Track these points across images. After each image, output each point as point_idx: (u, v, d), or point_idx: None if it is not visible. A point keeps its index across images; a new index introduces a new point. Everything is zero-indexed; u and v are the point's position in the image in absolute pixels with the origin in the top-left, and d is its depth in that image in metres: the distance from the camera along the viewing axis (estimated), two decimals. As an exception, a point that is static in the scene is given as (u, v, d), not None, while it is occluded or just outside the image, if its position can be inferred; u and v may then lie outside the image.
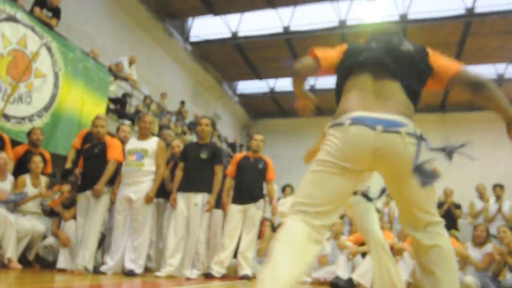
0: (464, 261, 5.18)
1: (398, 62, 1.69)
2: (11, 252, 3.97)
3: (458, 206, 7.78)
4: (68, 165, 5.03)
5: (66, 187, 4.52)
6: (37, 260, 4.46)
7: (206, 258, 4.76)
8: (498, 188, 6.90)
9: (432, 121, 14.09)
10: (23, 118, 5.51)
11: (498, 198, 6.80)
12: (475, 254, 5.07)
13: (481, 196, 7.25)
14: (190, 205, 4.44)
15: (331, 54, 1.83)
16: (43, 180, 4.76)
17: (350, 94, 1.69)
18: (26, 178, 4.61)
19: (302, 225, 1.53)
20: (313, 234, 1.53)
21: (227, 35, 11.81)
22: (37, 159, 4.68)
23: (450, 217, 7.35)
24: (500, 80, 12.05)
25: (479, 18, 9.88)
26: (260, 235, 5.57)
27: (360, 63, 1.72)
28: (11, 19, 5.42)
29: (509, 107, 1.64)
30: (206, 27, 12.28)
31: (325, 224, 1.57)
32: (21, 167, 4.74)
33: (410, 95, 1.66)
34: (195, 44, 12.44)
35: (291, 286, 1.42)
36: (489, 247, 4.99)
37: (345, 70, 1.76)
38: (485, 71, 12.03)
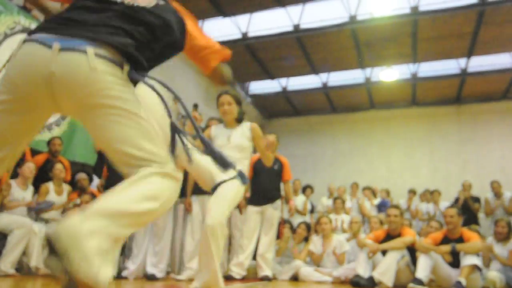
0: (488, 257, 5.07)
1: None
2: (36, 260, 4.05)
3: (476, 200, 7.54)
4: None
5: (87, 197, 4.59)
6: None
7: (225, 260, 4.77)
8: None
9: (448, 113, 13.86)
10: (42, 128, 5.63)
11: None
12: (500, 250, 4.95)
13: (496, 194, 7.10)
14: (206, 208, 4.45)
15: None
16: (65, 188, 4.84)
17: None
18: (49, 186, 4.69)
19: None
20: None
21: (237, 36, 11.81)
22: (59, 166, 4.76)
23: (469, 211, 7.17)
24: (517, 69, 11.76)
25: (492, 6, 9.65)
26: (279, 236, 5.56)
27: None
28: (27, 30, 5.52)
29: None
30: (216, 29, 12.30)
31: None
32: (42, 175, 4.83)
33: None
34: (206, 47, 12.48)
35: None
36: (515, 243, 4.86)
37: None
38: (501, 60, 11.76)
